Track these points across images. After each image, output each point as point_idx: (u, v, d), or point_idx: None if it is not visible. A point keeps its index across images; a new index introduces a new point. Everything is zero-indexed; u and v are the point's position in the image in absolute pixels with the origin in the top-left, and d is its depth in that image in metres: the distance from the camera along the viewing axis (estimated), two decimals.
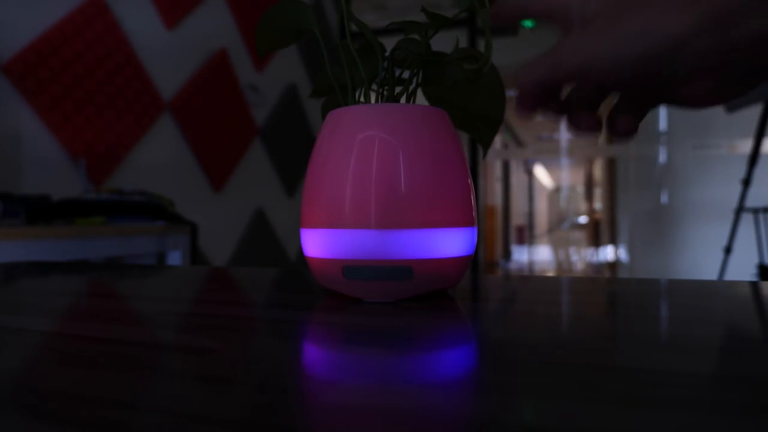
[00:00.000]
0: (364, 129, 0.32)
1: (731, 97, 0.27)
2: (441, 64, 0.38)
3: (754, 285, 0.38)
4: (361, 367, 0.18)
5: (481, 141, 0.40)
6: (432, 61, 0.37)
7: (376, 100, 0.37)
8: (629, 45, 0.25)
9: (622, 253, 4.83)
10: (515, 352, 0.20)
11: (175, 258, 1.47)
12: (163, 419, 0.14)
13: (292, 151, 3.15)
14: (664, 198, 4.67)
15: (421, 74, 0.38)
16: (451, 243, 0.32)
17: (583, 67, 0.27)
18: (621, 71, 0.26)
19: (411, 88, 0.38)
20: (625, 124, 0.30)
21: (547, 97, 0.30)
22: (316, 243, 0.33)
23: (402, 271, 0.31)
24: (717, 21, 0.23)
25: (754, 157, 2.77)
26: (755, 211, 2.94)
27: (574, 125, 0.31)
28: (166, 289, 0.39)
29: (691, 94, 0.27)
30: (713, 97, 0.27)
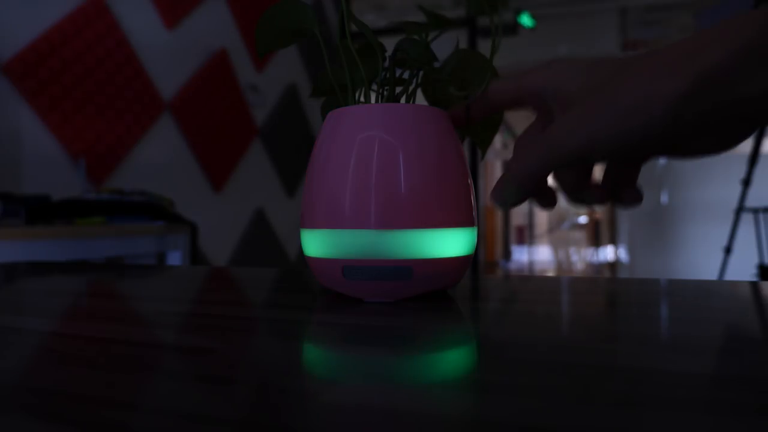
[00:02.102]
0: (364, 129, 0.32)
1: (735, 144, 0.26)
2: (430, 81, 0.38)
3: (754, 285, 0.38)
4: (361, 367, 0.18)
5: (480, 142, 0.40)
6: (425, 72, 0.37)
7: (376, 100, 0.37)
8: (629, 118, 0.24)
9: (622, 253, 4.83)
10: (515, 352, 0.20)
11: (175, 258, 1.47)
12: (163, 419, 0.14)
13: (292, 151, 3.15)
14: (664, 198, 4.67)
15: (421, 74, 0.38)
16: (451, 243, 0.32)
17: (587, 148, 0.25)
18: (625, 145, 0.25)
19: (411, 88, 0.38)
20: (631, 194, 0.30)
21: (542, 185, 0.29)
22: (316, 243, 0.33)
23: (402, 271, 0.31)
24: (714, 81, 0.22)
25: (754, 157, 2.77)
26: (755, 211, 2.94)
27: (577, 201, 0.30)
28: (166, 289, 0.39)
29: (696, 148, 0.26)
30: (718, 146, 0.26)
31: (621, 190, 0.30)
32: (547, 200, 0.31)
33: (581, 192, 0.30)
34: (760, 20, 0.22)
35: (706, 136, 0.25)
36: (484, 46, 4.72)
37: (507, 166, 0.28)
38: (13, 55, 1.46)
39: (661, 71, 0.23)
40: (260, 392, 0.16)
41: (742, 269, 4.42)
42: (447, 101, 0.40)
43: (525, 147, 0.29)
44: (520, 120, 6.92)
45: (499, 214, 6.66)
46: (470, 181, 0.34)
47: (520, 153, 0.28)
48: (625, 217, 4.79)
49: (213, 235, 2.39)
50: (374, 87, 0.39)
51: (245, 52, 2.66)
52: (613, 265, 4.99)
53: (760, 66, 0.22)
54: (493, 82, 0.31)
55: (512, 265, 6.47)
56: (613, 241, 4.98)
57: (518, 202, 0.29)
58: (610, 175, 0.30)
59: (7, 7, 1.46)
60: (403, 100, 0.40)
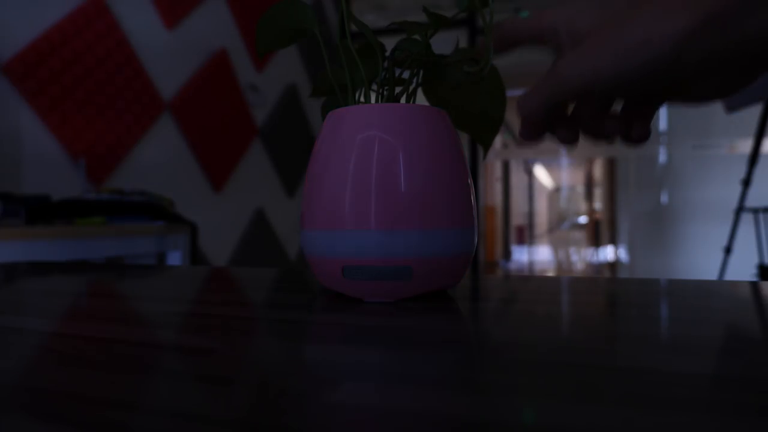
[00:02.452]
0: (364, 129, 0.32)
1: (735, 90, 0.26)
2: (441, 66, 0.38)
3: (754, 285, 0.38)
4: (361, 367, 0.18)
5: (481, 141, 0.40)
6: (432, 62, 0.37)
7: (376, 100, 0.37)
8: (631, 55, 0.25)
9: (622, 253, 4.83)
10: (515, 352, 0.20)
11: (175, 258, 1.47)
12: (163, 419, 0.14)
13: (292, 151, 3.15)
14: (664, 198, 4.67)
15: (421, 74, 0.38)
16: (451, 243, 0.32)
17: (588, 83, 0.26)
18: (626, 82, 0.25)
19: (411, 88, 0.38)
20: (639, 130, 0.30)
21: (553, 120, 0.30)
22: (316, 243, 0.33)
23: (402, 271, 0.31)
24: (715, 22, 0.23)
25: (754, 157, 2.77)
26: (755, 211, 2.94)
27: (595, 134, 0.31)
28: (166, 289, 0.39)
29: (696, 92, 0.27)
30: (718, 92, 0.27)
31: (631, 127, 0.30)
32: (566, 136, 0.31)
33: (596, 125, 0.30)
34: None
35: (708, 79, 0.26)
36: None
37: (518, 101, 0.29)
38: (13, 55, 1.46)
39: (670, 8, 0.24)
40: (260, 392, 0.16)
41: (742, 269, 4.42)
42: (447, 101, 0.40)
43: (535, 85, 0.30)
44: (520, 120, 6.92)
45: (499, 214, 6.65)
46: (470, 181, 0.34)
47: (529, 88, 0.29)
48: (625, 217, 4.79)
49: (213, 235, 2.39)
50: (374, 87, 0.39)
51: (245, 52, 2.66)
52: (613, 265, 4.99)
53: (758, 3, 0.22)
54: (512, 19, 0.32)
55: (512, 265, 6.47)
56: (613, 241, 4.98)
57: (536, 136, 0.30)
58: (626, 111, 0.31)
59: (7, 7, 1.46)
60: (403, 100, 0.40)
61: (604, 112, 0.31)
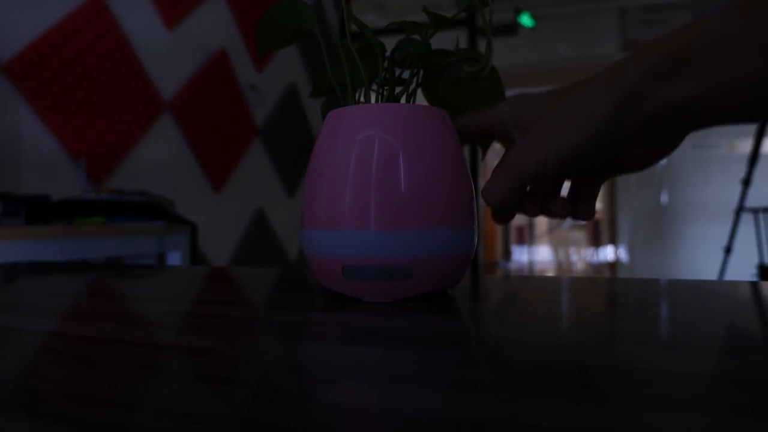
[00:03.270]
0: (364, 129, 0.32)
1: (667, 154, 0.31)
2: (442, 64, 0.38)
3: (754, 285, 0.38)
4: (361, 367, 0.18)
5: (480, 143, 0.40)
6: (433, 61, 0.37)
7: (376, 100, 0.37)
8: (567, 134, 0.29)
9: (622, 253, 4.83)
10: (515, 352, 0.20)
11: (175, 258, 1.47)
12: (163, 419, 0.14)
13: (292, 151, 3.15)
14: (664, 198, 4.67)
15: (421, 74, 0.38)
16: (451, 243, 0.32)
17: (540, 167, 0.30)
18: (569, 160, 0.30)
19: (411, 88, 0.38)
20: (584, 209, 0.34)
21: (518, 202, 0.34)
22: (316, 243, 0.33)
23: (402, 271, 0.31)
24: (627, 100, 0.28)
25: (754, 157, 2.77)
26: (755, 211, 2.94)
27: (548, 214, 0.35)
28: (166, 289, 0.39)
29: (629, 163, 0.31)
30: (648, 159, 0.31)
31: (578, 205, 0.35)
32: (531, 210, 0.36)
33: (547, 205, 0.35)
34: (660, 48, 0.27)
35: (639, 148, 0.30)
36: (483, 46, 4.72)
37: (482, 192, 0.33)
38: (13, 55, 1.46)
39: (590, 94, 0.29)
40: (260, 392, 0.16)
41: (742, 269, 4.42)
42: (447, 101, 0.40)
43: (494, 177, 0.34)
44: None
45: None
46: (470, 181, 0.34)
47: (489, 179, 0.33)
48: (625, 217, 4.79)
49: (213, 235, 2.39)
50: (374, 87, 0.39)
51: (245, 52, 2.66)
52: (613, 265, 4.99)
53: (659, 84, 0.27)
54: (462, 117, 0.36)
55: (512, 265, 6.47)
56: (613, 241, 4.98)
57: (508, 218, 0.34)
58: (572, 192, 0.35)
59: (7, 7, 1.46)
60: (403, 100, 0.40)
61: (554, 193, 0.35)
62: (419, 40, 0.36)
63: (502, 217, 0.34)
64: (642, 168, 0.32)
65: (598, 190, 0.35)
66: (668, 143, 0.30)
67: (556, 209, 0.34)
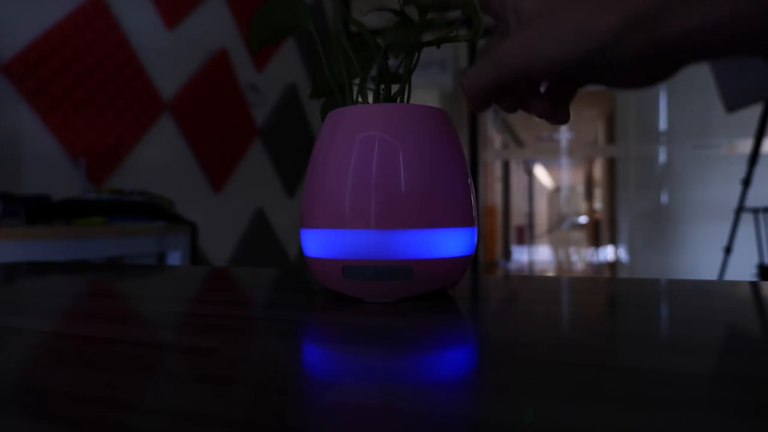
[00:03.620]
0: (364, 129, 0.32)
1: (656, 83, 0.29)
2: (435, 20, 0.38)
3: (754, 285, 0.38)
4: (361, 367, 0.18)
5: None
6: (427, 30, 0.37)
7: (374, 99, 0.37)
8: (564, 45, 0.27)
9: (622, 253, 4.83)
10: (515, 352, 0.20)
11: (175, 258, 1.47)
12: (163, 419, 0.14)
13: (292, 151, 3.15)
14: (664, 198, 4.67)
15: (413, 61, 0.38)
16: (451, 243, 0.32)
17: (526, 69, 0.29)
18: (560, 70, 0.28)
19: (405, 79, 0.38)
20: (562, 114, 0.33)
21: (497, 94, 0.33)
22: (316, 243, 0.33)
23: (402, 271, 0.31)
24: (639, 21, 0.25)
25: (754, 157, 2.77)
26: (755, 211, 2.94)
27: (527, 110, 0.34)
28: (166, 289, 0.39)
29: (619, 80, 0.30)
30: (642, 82, 0.29)
31: (556, 108, 0.34)
32: (508, 106, 0.35)
33: (527, 102, 0.34)
34: None
35: (634, 70, 0.28)
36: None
37: (461, 79, 0.32)
38: (13, 55, 1.46)
39: (599, 7, 0.26)
40: (260, 392, 0.16)
41: (742, 269, 4.42)
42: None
43: (478, 65, 0.32)
44: (520, 120, 6.93)
45: (499, 214, 6.66)
46: (470, 181, 0.34)
47: (473, 67, 0.31)
48: (625, 217, 4.78)
49: (213, 235, 2.39)
50: (371, 86, 0.39)
51: (245, 52, 2.65)
52: (613, 265, 4.99)
53: (678, 8, 0.25)
54: None
55: (512, 265, 6.47)
56: (613, 241, 4.98)
57: (483, 108, 0.33)
58: (549, 93, 0.34)
59: (7, 7, 1.46)
60: (402, 99, 0.40)
61: (534, 91, 0.34)
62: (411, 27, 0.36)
63: (479, 106, 0.33)
64: (626, 88, 0.31)
65: (575, 94, 0.34)
66: (660, 73, 0.29)
67: (537, 108, 0.33)
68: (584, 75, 0.29)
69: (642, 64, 0.27)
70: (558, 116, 0.33)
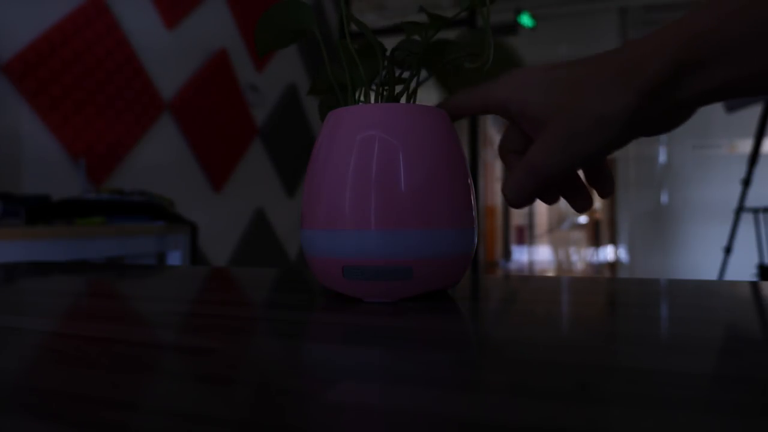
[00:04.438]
0: (364, 129, 0.32)
1: (679, 125, 0.30)
2: (442, 58, 0.38)
3: (754, 285, 0.38)
4: (361, 367, 0.18)
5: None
6: (433, 54, 0.37)
7: (376, 100, 0.37)
8: (591, 138, 0.28)
9: (622, 253, 4.83)
10: (515, 352, 0.20)
11: (175, 258, 1.47)
12: (163, 419, 0.14)
13: (292, 151, 3.15)
14: (664, 198, 4.67)
15: (420, 75, 0.38)
16: (451, 243, 0.32)
17: (562, 171, 0.30)
18: (592, 159, 0.29)
19: (411, 88, 0.38)
20: (608, 186, 0.34)
21: (538, 195, 0.34)
22: (316, 243, 0.33)
23: (402, 271, 0.31)
24: (652, 95, 0.26)
25: (754, 157, 2.77)
26: (755, 211, 2.94)
27: (575, 207, 0.35)
28: (166, 289, 0.39)
29: (650, 132, 0.31)
30: (664, 129, 0.30)
31: (600, 183, 0.34)
32: (551, 199, 0.36)
33: (572, 199, 0.35)
34: (684, 33, 0.25)
35: (660, 124, 0.29)
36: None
37: (502, 189, 0.33)
38: (13, 55, 1.46)
39: (609, 92, 0.27)
40: (260, 392, 0.16)
41: (742, 269, 4.42)
42: (459, 82, 0.40)
43: (512, 168, 0.33)
44: None
45: (499, 214, 6.66)
46: (470, 181, 0.34)
47: (510, 178, 0.32)
48: (625, 217, 4.79)
49: (213, 235, 2.39)
50: (374, 87, 0.39)
51: (245, 52, 2.65)
52: (613, 265, 4.99)
53: (688, 75, 0.25)
54: (460, 93, 0.35)
55: (512, 265, 6.47)
56: (613, 241, 4.98)
57: (525, 206, 0.34)
58: (589, 174, 0.35)
59: (7, 7, 1.46)
60: (403, 99, 0.40)
61: (574, 182, 0.35)
62: (419, 40, 0.36)
63: (520, 206, 0.34)
64: (653, 134, 0.31)
65: (608, 167, 0.35)
66: (684, 116, 0.29)
67: (580, 204, 0.35)
68: (614, 150, 0.30)
69: (666, 118, 0.28)
70: (605, 189, 0.34)
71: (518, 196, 0.32)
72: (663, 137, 4.64)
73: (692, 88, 0.25)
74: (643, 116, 0.27)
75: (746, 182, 2.76)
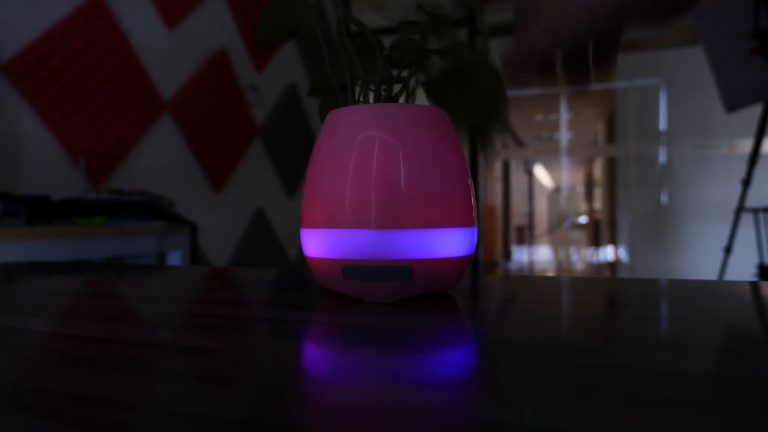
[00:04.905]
0: (364, 129, 0.32)
1: (681, 17, 0.30)
2: (438, 56, 0.38)
3: (754, 285, 0.38)
4: (361, 367, 0.18)
5: (482, 143, 0.40)
6: (430, 57, 0.37)
7: (376, 100, 0.37)
8: (576, 22, 0.28)
9: (622, 253, 4.83)
10: (515, 352, 0.20)
11: (175, 258, 1.47)
12: (163, 419, 0.14)
13: (292, 151, 3.15)
14: (664, 198, 4.67)
15: (419, 74, 0.38)
16: (451, 243, 0.32)
17: (545, 54, 0.30)
18: (587, 34, 0.29)
19: (411, 87, 0.38)
20: (610, 60, 0.33)
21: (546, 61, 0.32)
22: (316, 243, 0.33)
23: (402, 271, 0.31)
24: None
25: (754, 157, 2.77)
26: (755, 211, 2.94)
27: (572, 82, 0.34)
28: (166, 289, 0.39)
29: (643, 22, 0.30)
30: (660, 22, 0.30)
31: (603, 60, 0.33)
32: (546, 78, 0.34)
33: (572, 75, 0.34)
34: None
35: (652, 16, 0.29)
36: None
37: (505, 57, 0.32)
38: (13, 55, 1.46)
39: None
40: (260, 392, 0.16)
41: (742, 269, 4.42)
42: (447, 101, 0.40)
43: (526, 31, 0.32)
44: (520, 120, 6.93)
45: (499, 214, 6.66)
46: (470, 181, 0.34)
47: (524, 34, 0.31)
48: (625, 217, 4.79)
49: (213, 235, 2.39)
50: (373, 87, 0.39)
51: (245, 52, 2.66)
52: (613, 265, 4.99)
53: None
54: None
55: (512, 265, 6.47)
56: (613, 241, 4.98)
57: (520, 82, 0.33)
58: (596, 46, 0.34)
59: (7, 7, 1.46)
60: (402, 99, 0.40)
61: (583, 56, 0.34)
62: (417, 39, 0.36)
63: (515, 84, 0.33)
64: (651, 23, 0.30)
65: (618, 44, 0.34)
66: (686, 9, 0.29)
67: (575, 78, 0.34)
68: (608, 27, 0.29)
69: (658, 10, 0.28)
70: (609, 66, 0.33)
71: (527, 45, 0.31)
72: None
73: None
74: (637, 3, 0.27)
75: (746, 182, 2.76)
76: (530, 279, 0.43)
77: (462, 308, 0.30)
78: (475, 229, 0.34)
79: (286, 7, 0.36)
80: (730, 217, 4.48)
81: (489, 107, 0.39)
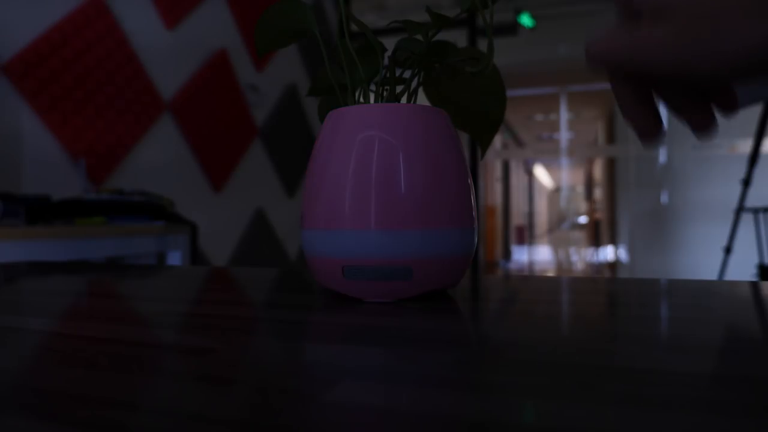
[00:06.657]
0: (364, 129, 0.32)
1: None
2: (443, 60, 0.38)
3: (754, 285, 0.38)
4: (361, 367, 0.18)
5: (480, 141, 0.40)
6: (434, 55, 0.37)
7: (376, 100, 0.37)
8: (729, 54, 0.23)
9: (622, 253, 4.83)
10: (515, 352, 0.20)
11: (175, 258, 1.47)
12: (163, 419, 0.14)
13: (292, 151, 3.15)
14: (664, 198, 4.67)
15: (422, 74, 0.38)
16: (451, 243, 0.32)
17: (677, 65, 0.24)
18: (711, 76, 0.23)
19: (412, 87, 0.38)
20: (730, 103, 0.27)
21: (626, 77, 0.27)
22: (316, 243, 0.33)
23: (402, 271, 0.31)
24: None
25: (754, 157, 2.77)
26: (755, 211, 2.94)
27: (692, 122, 0.28)
28: (166, 289, 0.39)
29: None
30: None
31: (722, 98, 0.27)
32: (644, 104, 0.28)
33: (692, 113, 0.27)
34: None
35: None
36: (483, 46, 4.72)
37: (588, 42, 0.26)
38: (13, 55, 1.46)
39: (759, 11, 0.21)
40: (260, 392, 0.16)
41: (742, 269, 4.42)
42: (447, 101, 0.40)
43: (614, 33, 0.26)
44: (520, 120, 6.93)
45: (499, 214, 6.66)
46: (470, 181, 0.34)
47: (609, 34, 0.26)
48: (625, 217, 4.79)
49: (213, 235, 2.39)
50: (373, 87, 0.39)
51: (245, 52, 2.66)
52: (613, 265, 4.99)
53: None
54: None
55: (512, 265, 6.47)
56: (613, 241, 4.98)
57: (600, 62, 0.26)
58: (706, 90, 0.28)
59: (7, 7, 1.46)
60: (404, 99, 0.40)
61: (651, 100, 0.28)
62: (420, 40, 0.36)
63: (595, 61, 0.26)
64: None
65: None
66: None
67: (700, 122, 0.27)
68: (737, 78, 0.23)
69: None
70: (729, 105, 0.27)
71: (602, 54, 0.25)
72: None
73: None
74: None
75: (746, 182, 2.76)
76: (530, 279, 0.43)
77: (462, 308, 0.30)
78: (475, 229, 0.34)
79: (286, 12, 0.36)
80: (730, 217, 4.48)
81: (489, 112, 0.39)
